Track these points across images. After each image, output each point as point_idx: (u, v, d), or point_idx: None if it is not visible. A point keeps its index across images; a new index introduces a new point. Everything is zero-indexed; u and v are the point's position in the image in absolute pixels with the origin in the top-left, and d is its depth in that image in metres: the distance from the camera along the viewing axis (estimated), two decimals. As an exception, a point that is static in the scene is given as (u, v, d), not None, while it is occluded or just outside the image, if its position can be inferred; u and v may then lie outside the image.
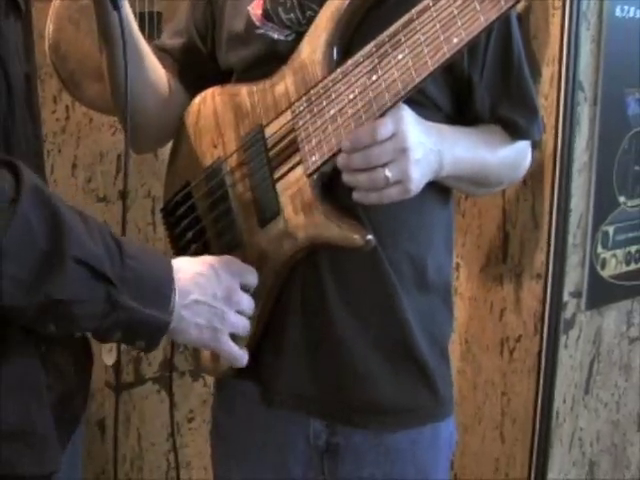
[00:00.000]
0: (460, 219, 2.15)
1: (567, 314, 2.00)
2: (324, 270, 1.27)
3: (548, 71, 1.92)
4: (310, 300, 1.29)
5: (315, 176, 1.21)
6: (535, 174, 1.91)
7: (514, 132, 1.32)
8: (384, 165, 1.13)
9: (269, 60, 1.27)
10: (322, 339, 1.30)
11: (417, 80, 1.12)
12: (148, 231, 2.04)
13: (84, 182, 1.97)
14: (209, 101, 1.34)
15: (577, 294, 2.01)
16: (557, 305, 1.94)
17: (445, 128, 1.25)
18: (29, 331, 1.02)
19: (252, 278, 1.21)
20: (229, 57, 1.33)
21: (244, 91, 1.29)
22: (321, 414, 1.34)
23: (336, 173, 1.19)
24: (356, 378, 1.30)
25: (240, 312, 1.16)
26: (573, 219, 1.96)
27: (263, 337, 1.31)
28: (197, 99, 1.36)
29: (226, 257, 1.20)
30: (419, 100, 1.21)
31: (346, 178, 1.16)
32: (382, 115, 1.15)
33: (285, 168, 1.24)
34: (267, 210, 1.26)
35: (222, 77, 1.36)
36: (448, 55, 1.09)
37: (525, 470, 2.06)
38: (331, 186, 1.23)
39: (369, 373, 1.30)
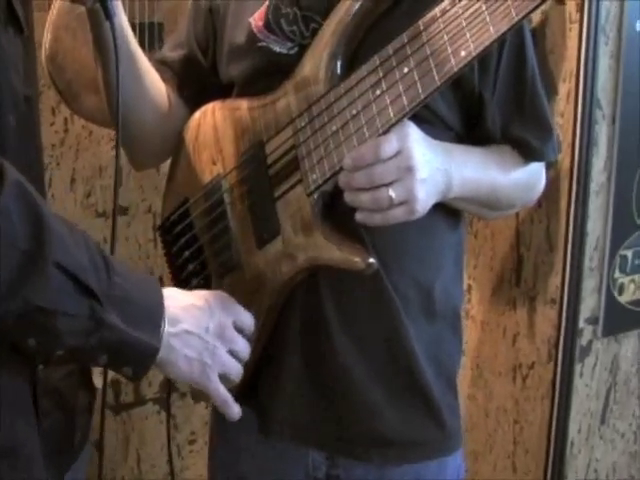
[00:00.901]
0: (472, 240, 2.10)
1: (583, 341, 1.93)
2: (324, 295, 1.23)
3: (564, 87, 1.86)
4: (309, 326, 1.24)
5: (315, 195, 1.17)
6: (550, 195, 1.85)
7: (527, 153, 1.27)
8: (388, 184, 1.09)
9: (271, 73, 1.23)
10: (322, 367, 1.25)
11: (423, 95, 1.07)
12: (149, 248, 2.00)
13: (83, 197, 1.94)
14: (209, 116, 1.30)
15: (593, 320, 1.95)
16: (572, 332, 1.88)
17: (454, 147, 1.20)
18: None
19: (247, 319, 1.15)
20: (230, 70, 1.29)
21: (245, 106, 1.25)
22: (321, 445, 1.29)
23: (338, 192, 1.15)
24: (358, 408, 1.26)
25: (233, 353, 1.11)
26: (590, 242, 1.89)
27: (261, 362, 1.26)
28: (197, 114, 1.33)
29: (220, 293, 1.14)
30: (427, 118, 1.17)
31: (348, 198, 1.12)
32: (386, 132, 1.10)
33: (285, 186, 1.20)
34: (266, 230, 1.22)
35: (224, 91, 1.32)
36: (456, 69, 1.04)
37: (538, 502, 2.01)
38: (333, 206, 1.18)
39: (372, 403, 1.25)
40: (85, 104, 1.42)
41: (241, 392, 1.21)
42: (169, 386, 1.79)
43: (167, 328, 1.02)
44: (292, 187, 1.19)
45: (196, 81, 1.35)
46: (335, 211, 1.18)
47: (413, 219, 1.12)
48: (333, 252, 1.15)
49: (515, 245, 2.00)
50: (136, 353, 1.00)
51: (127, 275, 1.00)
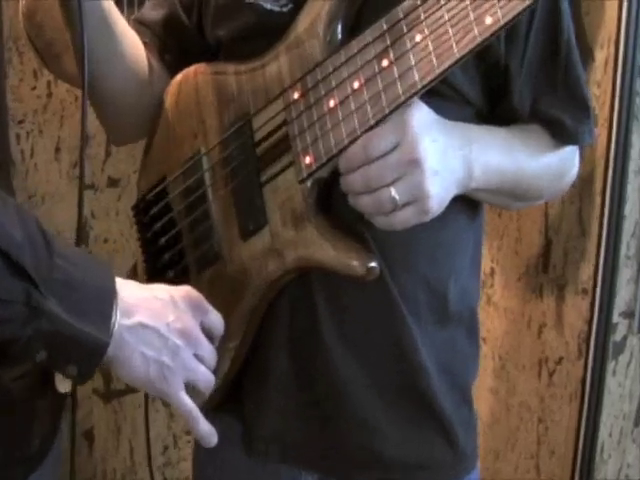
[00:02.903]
0: (496, 219, 1.97)
1: (617, 336, 1.79)
2: (317, 296, 1.07)
3: (602, 54, 1.71)
4: (300, 332, 1.09)
5: (309, 183, 1.01)
6: (584, 174, 1.71)
7: (560, 134, 1.12)
8: (390, 184, 0.94)
9: (261, 34, 1.08)
10: (314, 379, 1.10)
11: (439, 70, 0.91)
12: None
13: (69, 167, 1.80)
14: (191, 80, 1.15)
15: (629, 314, 1.80)
16: (605, 326, 1.73)
17: (473, 128, 1.05)
18: None
19: (217, 321, 0.99)
20: (216, 30, 1.14)
21: (231, 70, 1.10)
22: (312, 467, 1.14)
23: (336, 178, 0.99)
24: (356, 426, 1.11)
25: (199, 358, 0.95)
26: (627, 227, 1.75)
27: (245, 370, 1.13)
28: (178, 77, 1.17)
29: (187, 288, 0.98)
30: (442, 91, 1.01)
31: (351, 201, 0.98)
32: (394, 111, 0.94)
33: (274, 170, 1.04)
34: (251, 220, 1.06)
35: (210, 55, 1.17)
36: (479, 39, 0.88)
37: (563, 509, 1.89)
38: (329, 194, 1.03)
39: (371, 420, 1.11)
40: (67, 66, 1.25)
41: (224, 400, 1.10)
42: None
43: (119, 319, 0.88)
44: (282, 171, 1.03)
45: (179, 44, 1.21)
46: (331, 201, 1.03)
47: (428, 220, 0.98)
48: (326, 251, 1.00)
49: (543, 228, 1.86)
50: (81, 348, 0.86)
51: (73, 257, 0.88)
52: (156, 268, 1.17)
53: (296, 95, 1.00)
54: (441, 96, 1.00)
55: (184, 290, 0.97)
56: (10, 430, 0.97)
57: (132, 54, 1.16)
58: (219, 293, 1.07)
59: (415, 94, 0.92)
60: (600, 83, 1.71)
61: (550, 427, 1.91)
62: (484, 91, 1.08)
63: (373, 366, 1.09)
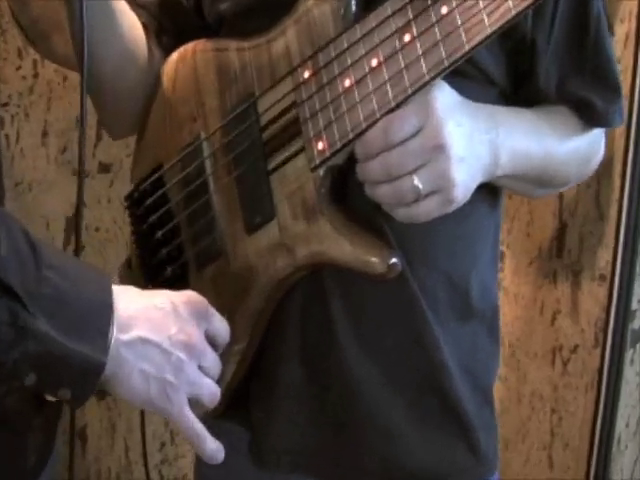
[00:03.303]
0: (507, 201, 1.88)
1: (635, 324, 1.73)
2: (330, 294, 0.99)
3: (622, 29, 1.64)
4: (312, 333, 1.01)
5: (322, 171, 0.92)
6: None
7: (589, 116, 1.05)
8: (412, 171, 0.86)
9: (267, 8, 0.99)
10: (328, 382, 1.02)
11: (469, 45, 0.82)
12: None
13: (57, 152, 1.70)
14: (189, 59, 1.07)
15: None
16: (624, 314, 1.67)
17: (499, 110, 0.98)
18: None
19: (223, 329, 0.91)
20: (217, 5, 1.06)
21: (233, 47, 1.01)
22: (326, 475, 1.06)
23: (350, 165, 0.91)
24: (373, 433, 1.03)
25: (204, 370, 0.87)
26: None
27: (253, 374, 1.05)
28: (175, 55, 1.08)
29: (190, 293, 0.90)
30: (465, 70, 0.93)
31: (368, 191, 0.91)
32: (417, 91, 0.85)
33: (283, 156, 0.95)
34: (257, 212, 0.97)
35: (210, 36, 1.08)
36: (514, 12, 0.80)
37: (577, 503, 1.83)
38: (344, 183, 0.95)
39: (389, 424, 1.03)
40: (57, 46, 1.16)
41: (231, 406, 1.01)
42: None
43: (116, 334, 0.81)
44: (291, 158, 0.94)
45: (176, 24, 1.12)
46: (347, 191, 0.95)
47: (451, 210, 0.91)
48: (343, 247, 0.92)
49: (557, 211, 1.79)
50: (74, 370, 0.79)
51: (64, 268, 0.80)
52: (152, 264, 1.08)
53: (307, 74, 0.92)
54: (463, 76, 0.93)
55: (186, 295, 0.89)
56: (4, 445, 0.89)
57: (131, 35, 1.08)
58: (222, 292, 0.99)
59: (441, 73, 0.84)
60: (620, 59, 1.65)
61: (564, 417, 1.85)
62: (508, 71, 1.01)
63: (392, 365, 1.02)
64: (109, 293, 0.82)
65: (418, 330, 1.00)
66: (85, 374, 0.80)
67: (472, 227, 1.04)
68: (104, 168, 1.72)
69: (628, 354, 1.74)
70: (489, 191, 1.03)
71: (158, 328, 0.84)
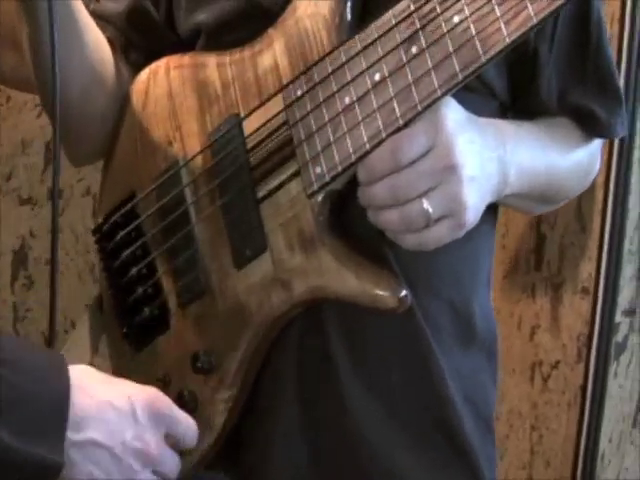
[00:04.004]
0: None
1: (619, 337, 1.70)
2: (330, 325, 0.94)
3: None
4: (310, 370, 0.96)
5: (320, 197, 0.86)
6: None
7: (591, 127, 1.03)
8: (421, 195, 0.81)
9: (251, 18, 0.94)
10: (328, 424, 0.97)
11: (486, 57, 0.77)
12: (88, 239, 1.68)
13: (2, 180, 1.66)
14: (162, 77, 1.00)
15: (630, 312, 1.71)
16: (609, 328, 1.65)
17: (505, 125, 0.94)
18: None
19: (189, 432, 0.86)
20: (194, 16, 0.99)
21: (212, 62, 0.96)
22: None
23: (351, 188, 0.85)
24: (375, 473, 0.98)
25: (159, 474, 0.84)
26: (631, 220, 1.66)
27: (246, 419, 0.98)
28: (145, 73, 1.02)
29: (153, 392, 0.85)
30: (468, 83, 0.87)
31: (372, 218, 0.85)
32: (427, 108, 0.79)
33: (274, 182, 0.89)
34: (247, 244, 0.91)
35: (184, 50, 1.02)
36: (536, 20, 0.74)
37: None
38: (343, 208, 0.89)
39: (393, 465, 0.98)
40: (4, 63, 1.11)
41: (222, 455, 0.96)
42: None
43: (68, 434, 0.78)
44: (284, 184, 0.88)
45: (146, 39, 1.05)
46: (345, 218, 0.89)
47: (461, 235, 0.85)
48: (347, 280, 0.85)
49: (535, 222, 1.75)
50: (28, 475, 0.76)
51: (21, 361, 0.78)
52: (127, 305, 1.01)
53: (299, 91, 0.86)
54: (465, 88, 0.86)
55: (148, 397, 0.84)
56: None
57: (98, 54, 1.02)
58: (208, 334, 0.93)
59: (454, 87, 0.78)
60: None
61: (545, 435, 1.81)
62: (509, 82, 0.98)
63: (396, 401, 0.97)
64: (67, 384, 0.78)
65: (424, 362, 0.96)
66: (43, 476, 0.77)
67: (474, 249, 1.00)
68: (52, 195, 1.65)
69: (612, 368, 1.71)
70: (490, 210, 0.98)
71: (112, 433, 0.80)
